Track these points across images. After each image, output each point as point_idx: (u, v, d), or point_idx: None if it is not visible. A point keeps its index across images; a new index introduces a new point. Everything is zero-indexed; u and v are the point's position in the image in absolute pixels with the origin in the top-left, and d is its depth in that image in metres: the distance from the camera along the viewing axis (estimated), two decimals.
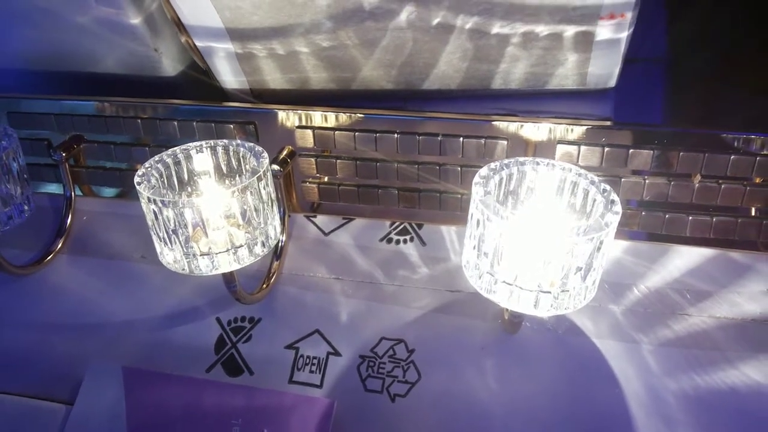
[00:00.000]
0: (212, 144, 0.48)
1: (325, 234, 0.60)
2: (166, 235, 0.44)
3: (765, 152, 0.49)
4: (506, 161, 0.43)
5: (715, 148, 0.50)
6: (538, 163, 0.43)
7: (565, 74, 0.54)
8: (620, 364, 0.50)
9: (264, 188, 0.45)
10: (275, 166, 0.55)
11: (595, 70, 0.53)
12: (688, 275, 0.53)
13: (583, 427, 0.48)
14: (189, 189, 0.48)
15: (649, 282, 0.53)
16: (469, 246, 0.42)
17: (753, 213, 0.52)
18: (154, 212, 0.43)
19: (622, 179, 0.52)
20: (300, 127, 0.57)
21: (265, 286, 0.56)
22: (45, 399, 0.54)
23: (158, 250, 0.46)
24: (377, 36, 0.52)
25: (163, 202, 0.42)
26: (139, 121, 0.60)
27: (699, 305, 0.52)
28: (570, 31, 0.49)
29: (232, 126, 0.58)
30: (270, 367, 0.53)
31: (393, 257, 0.58)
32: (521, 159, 0.43)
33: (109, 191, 0.66)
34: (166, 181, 0.47)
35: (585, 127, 0.51)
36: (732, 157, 0.49)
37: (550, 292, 0.40)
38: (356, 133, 0.55)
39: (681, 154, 0.49)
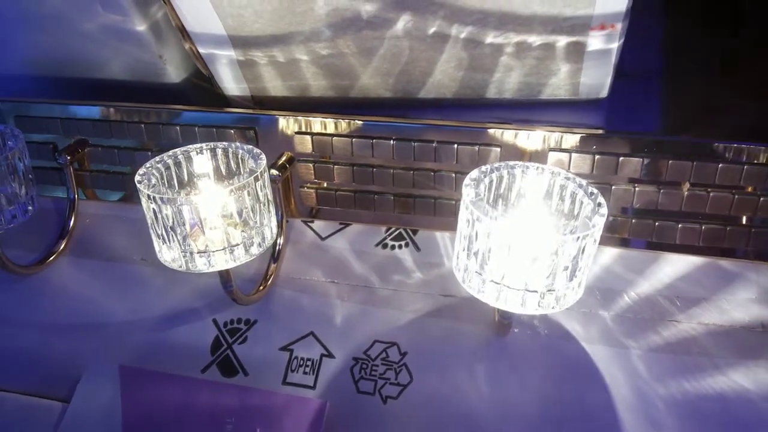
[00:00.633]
0: (212, 146, 0.49)
1: (322, 239, 0.61)
2: (164, 233, 0.45)
3: (753, 161, 0.50)
4: (497, 164, 0.44)
5: (704, 156, 0.51)
6: (527, 167, 0.44)
7: (558, 84, 0.55)
8: (610, 369, 0.50)
9: (261, 189, 0.47)
10: (274, 171, 0.57)
11: (587, 81, 0.54)
12: (677, 282, 0.54)
13: (572, 429, 0.48)
14: (188, 189, 0.50)
15: (639, 289, 0.54)
16: (459, 246, 0.43)
17: (742, 221, 0.53)
18: (154, 210, 0.44)
19: (613, 186, 0.53)
20: (299, 132, 0.58)
21: (261, 288, 0.57)
22: (43, 397, 0.55)
23: (157, 248, 0.48)
24: (375, 45, 0.53)
25: (162, 199, 0.43)
26: (143, 125, 0.61)
27: (688, 312, 0.52)
28: (562, 41, 0.50)
29: (232, 131, 0.59)
30: (264, 368, 0.54)
31: (388, 262, 0.59)
32: (511, 162, 0.44)
33: (111, 195, 0.67)
34: (166, 182, 0.48)
35: (576, 135, 0.52)
36: (720, 165, 0.50)
37: (536, 291, 0.40)
38: (353, 139, 0.56)
39: (670, 162, 0.50)
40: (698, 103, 0.60)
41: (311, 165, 0.59)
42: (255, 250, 0.48)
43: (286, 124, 0.58)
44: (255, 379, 0.54)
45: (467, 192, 0.41)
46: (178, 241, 0.45)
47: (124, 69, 0.63)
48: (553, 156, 0.53)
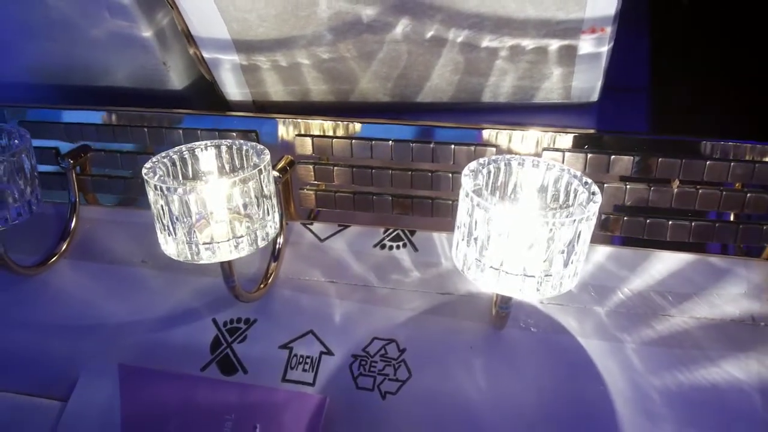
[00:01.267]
0: (217, 143, 0.51)
1: (321, 240, 0.62)
2: (170, 224, 0.46)
3: (738, 158, 0.52)
4: (494, 157, 0.45)
5: (692, 154, 0.53)
6: (524, 159, 0.46)
7: (551, 88, 0.57)
8: (605, 362, 0.51)
9: (264, 182, 0.48)
10: (275, 173, 0.58)
11: (579, 84, 0.56)
12: (669, 279, 0.55)
13: (569, 421, 0.49)
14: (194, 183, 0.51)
15: (632, 285, 0.55)
16: (458, 235, 0.44)
17: (730, 218, 0.55)
18: (159, 201, 0.45)
19: (605, 185, 0.54)
20: (299, 135, 0.59)
21: (262, 286, 0.58)
22: (42, 396, 0.55)
23: (161, 241, 0.48)
24: (374, 48, 0.55)
25: (168, 189, 0.44)
26: (146, 129, 0.63)
27: (680, 306, 0.54)
28: (554, 44, 0.53)
29: (234, 134, 0.61)
30: (264, 366, 0.54)
31: (386, 262, 0.60)
32: (508, 156, 0.46)
33: (113, 199, 0.68)
34: (172, 177, 0.49)
35: (569, 135, 0.54)
36: (708, 163, 0.52)
37: (534, 277, 0.42)
38: (353, 141, 0.58)
39: (660, 160, 0.52)
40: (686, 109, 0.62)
41: (311, 167, 0.60)
42: (259, 242, 0.49)
43: (287, 127, 0.60)
44: (254, 376, 0.54)
45: (466, 182, 0.42)
46: (183, 232, 0.46)
47: (128, 75, 0.65)
48: (547, 155, 0.55)
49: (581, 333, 0.53)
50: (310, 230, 0.63)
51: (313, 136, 0.59)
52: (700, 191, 0.53)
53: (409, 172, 0.58)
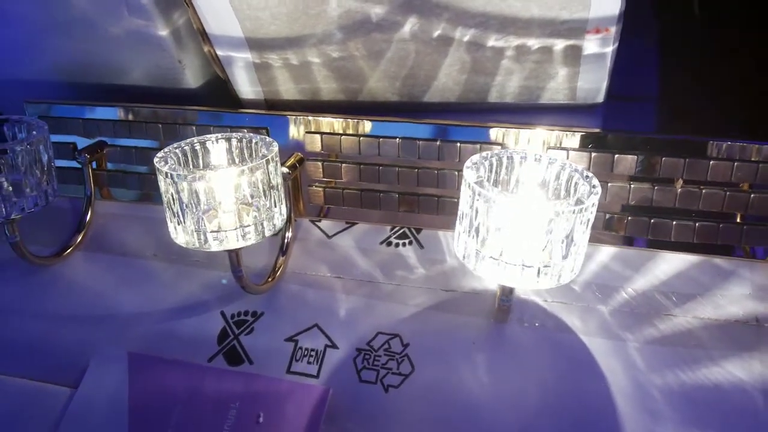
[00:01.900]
0: (228, 136, 0.52)
1: (329, 237, 0.63)
2: (180, 212, 0.47)
3: (743, 158, 0.52)
4: (497, 151, 0.46)
5: (696, 153, 0.53)
6: (526, 154, 0.46)
7: (557, 88, 0.58)
8: (607, 361, 0.51)
9: (272, 173, 0.49)
10: (284, 169, 0.59)
11: (584, 85, 0.57)
12: (673, 279, 0.55)
13: (571, 418, 0.49)
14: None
15: (636, 285, 0.56)
16: (460, 227, 0.45)
17: (735, 218, 0.55)
18: (170, 188, 0.47)
19: (609, 184, 0.55)
20: (309, 132, 0.61)
21: (270, 279, 0.59)
22: (53, 383, 0.56)
23: (171, 230, 0.50)
24: (383, 47, 0.56)
25: (178, 176, 0.46)
26: (160, 126, 0.64)
27: (684, 307, 0.54)
28: (559, 44, 0.54)
29: (246, 131, 0.62)
30: (269, 358, 0.55)
31: (392, 259, 0.61)
32: (510, 150, 0.46)
33: (127, 194, 0.70)
34: (183, 167, 0.51)
35: (574, 134, 0.55)
36: (712, 162, 0.52)
37: (532, 267, 0.42)
38: (361, 138, 0.59)
39: (663, 159, 0.53)
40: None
41: (320, 163, 0.61)
42: (267, 232, 0.50)
43: (298, 124, 0.61)
44: (260, 367, 0.55)
45: (468, 173, 0.43)
46: (193, 220, 0.47)
47: (144, 74, 0.67)
48: (551, 154, 0.55)
49: (584, 331, 0.53)
50: (318, 227, 0.64)
51: (322, 133, 0.60)
52: (704, 191, 0.53)
53: (416, 170, 0.59)
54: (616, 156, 0.54)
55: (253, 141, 0.51)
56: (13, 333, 0.60)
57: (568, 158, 0.55)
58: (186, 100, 0.68)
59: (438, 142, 0.57)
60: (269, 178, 0.49)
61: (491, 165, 0.45)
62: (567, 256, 0.42)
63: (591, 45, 0.53)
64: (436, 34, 0.54)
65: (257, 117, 0.62)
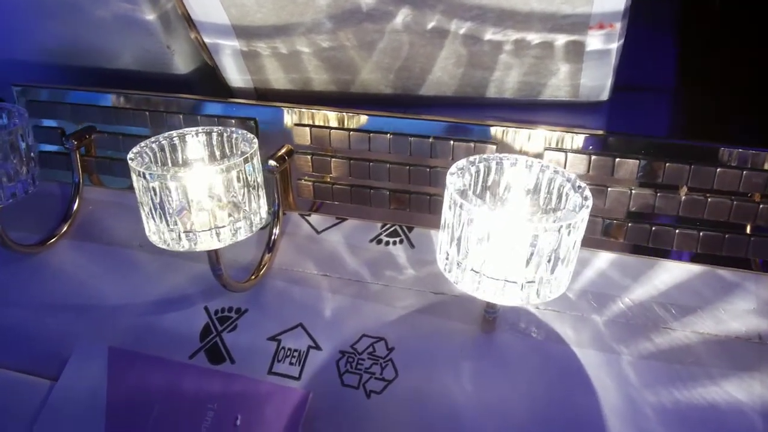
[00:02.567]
0: (208, 130, 0.50)
1: (318, 232, 0.61)
2: (152, 210, 0.45)
3: (753, 167, 0.49)
4: (485, 155, 0.44)
5: (702, 160, 0.50)
6: (516, 159, 0.44)
7: (558, 85, 0.55)
8: (599, 374, 0.49)
9: (250, 172, 0.47)
10: (272, 162, 0.57)
11: (588, 82, 0.54)
12: (673, 290, 0.53)
13: (557, 430, 0.47)
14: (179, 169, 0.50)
15: (633, 294, 0.53)
16: (442, 236, 0.43)
17: (742, 229, 0.51)
18: (143, 186, 0.45)
19: (609, 188, 0.52)
20: (298, 124, 0.58)
21: (254, 276, 0.57)
22: (33, 374, 0.55)
23: (145, 226, 0.48)
24: (375, 38, 0.53)
25: (150, 175, 0.44)
26: (147, 113, 0.62)
27: (683, 320, 0.51)
28: (561, 39, 0.50)
29: (233, 121, 0.60)
30: (251, 357, 0.54)
31: (381, 258, 0.59)
32: (501, 154, 0.44)
33: (116, 181, 0.68)
34: (160, 163, 0.49)
35: (573, 135, 0.52)
36: (719, 170, 0.49)
37: (516, 283, 0.40)
38: (350, 132, 0.56)
39: (667, 164, 0.50)
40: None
41: (309, 157, 0.59)
42: (242, 234, 0.48)
43: (287, 115, 0.59)
44: (241, 367, 0.53)
45: (452, 180, 0.41)
46: (165, 219, 0.46)
47: (132, 59, 0.65)
48: (549, 155, 0.52)
49: (576, 342, 0.51)
50: (308, 222, 0.62)
51: (311, 126, 0.58)
52: (709, 199, 0.50)
53: (407, 167, 0.56)
54: (617, 160, 0.51)
55: (234, 136, 0.49)
56: None
57: (566, 160, 0.52)
58: (177, 86, 0.66)
59: (430, 139, 0.55)
60: (246, 177, 0.47)
61: (478, 171, 0.43)
62: (553, 272, 0.40)
63: (594, 41, 0.50)
64: (430, 26, 0.51)
65: (245, 107, 0.60)
